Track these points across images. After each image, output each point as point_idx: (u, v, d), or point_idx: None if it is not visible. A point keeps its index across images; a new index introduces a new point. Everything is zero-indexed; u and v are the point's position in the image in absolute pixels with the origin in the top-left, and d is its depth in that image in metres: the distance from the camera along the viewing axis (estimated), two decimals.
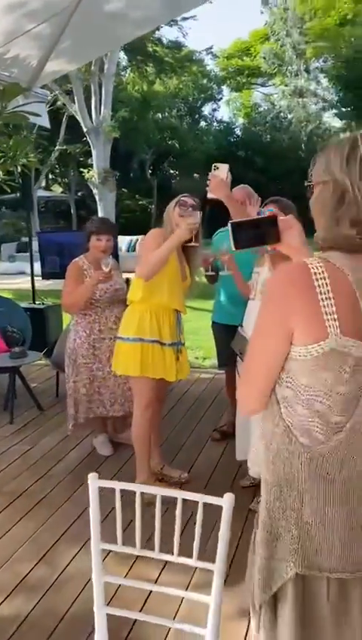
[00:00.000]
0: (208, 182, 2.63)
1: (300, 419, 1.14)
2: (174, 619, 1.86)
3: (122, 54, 18.98)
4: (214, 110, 31.40)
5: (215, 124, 30.64)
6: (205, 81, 27.99)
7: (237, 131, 30.17)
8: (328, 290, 1.08)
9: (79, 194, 26.47)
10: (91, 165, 14.62)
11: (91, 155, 14.55)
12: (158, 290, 2.92)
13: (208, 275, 3.55)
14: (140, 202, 27.50)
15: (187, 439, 3.88)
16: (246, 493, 3.03)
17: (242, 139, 28.89)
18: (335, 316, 1.08)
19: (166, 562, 1.44)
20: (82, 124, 13.69)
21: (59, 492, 3.22)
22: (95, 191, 14.04)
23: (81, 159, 22.76)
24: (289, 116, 28.24)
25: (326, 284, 1.09)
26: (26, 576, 2.50)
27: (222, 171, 2.60)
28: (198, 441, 3.84)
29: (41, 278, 6.31)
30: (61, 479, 3.37)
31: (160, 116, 26.04)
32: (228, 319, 3.48)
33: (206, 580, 1.37)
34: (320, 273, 1.09)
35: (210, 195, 2.67)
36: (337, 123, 26.55)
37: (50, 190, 28.98)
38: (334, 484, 1.13)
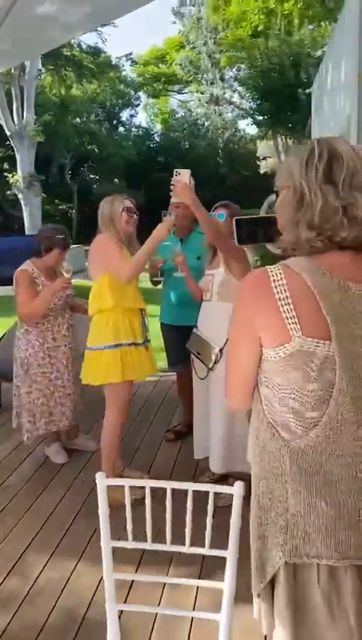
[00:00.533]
0: (171, 187, 2.67)
1: (279, 415, 1.21)
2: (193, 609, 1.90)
3: (39, 58, 18.61)
4: (132, 116, 31.52)
5: (133, 129, 30.72)
6: (122, 86, 28.00)
7: (156, 137, 30.42)
8: (287, 296, 1.14)
9: None
10: (13, 170, 14.23)
11: (12, 160, 14.15)
12: (126, 293, 2.97)
13: (155, 280, 3.60)
14: (60, 207, 27.03)
15: (141, 442, 3.90)
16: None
17: (161, 145, 29.16)
18: (296, 319, 1.13)
19: (171, 559, 1.46)
20: (5, 128, 13.31)
21: (18, 503, 3.15)
22: (20, 196, 13.69)
23: (5, 164, 22.04)
24: (206, 123, 28.86)
25: (285, 289, 1.15)
26: None
27: (184, 176, 2.65)
28: (153, 443, 3.87)
29: None
30: (18, 490, 3.29)
31: (78, 121, 25.74)
32: (179, 320, 3.54)
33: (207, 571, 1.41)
34: (279, 280, 1.16)
35: (174, 200, 2.72)
36: (253, 131, 27.50)
37: None
38: (316, 476, 1.18)
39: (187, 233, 3.57)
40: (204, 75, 26.88)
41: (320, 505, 1.17)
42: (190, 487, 1.36)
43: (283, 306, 1.14)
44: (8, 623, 2.23)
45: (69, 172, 26.19)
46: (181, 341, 3.28)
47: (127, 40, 42.20)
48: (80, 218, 25.14)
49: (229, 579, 1.35)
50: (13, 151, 14.15)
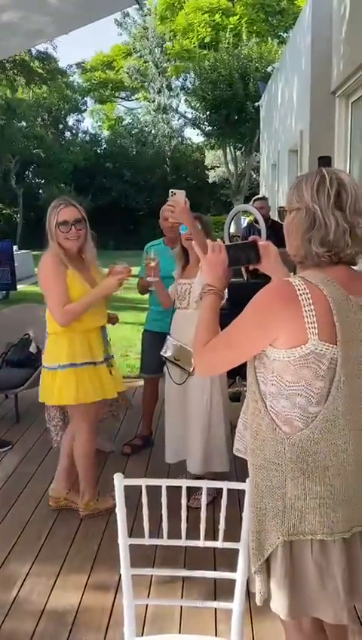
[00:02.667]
0: (169, 207, 2.69)
1: (283, 410, 1.37)
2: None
3: None
4: (78, 121, 31.26)
5: (80, 135, 30.54)
6: (69, 92, 27.80)
7: (103, 143, 30.36)
8: (310, 304, 1.32)
9: None
10: None
11: None
12: (78, 318, 2.80)
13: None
14: (4, 211, 26.48)
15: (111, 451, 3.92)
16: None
17: (109, 150, 29.13)
18: (315, 324, 1.31)
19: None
20: None
21: None
22: None
23: None
24: (153, 131, 29.08)
25: (308, 298, 1.32)
26: None
27: (180, 197, 2.66)
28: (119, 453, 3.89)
29: None
30: None
31: (24, 125, 25.34)
32: (157, 327, 3.61)
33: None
34: (302, 289, 1.33)
35: (172, 220, 2.80)
36: (199, 140, 27.91)
37: None
38: (312, 463, 1.35)
39: (177, 243, 3.64)
40: (151, 84, 27.12)
41: (314, 488, 1.35)
42: (204, 484, 1.45)
43: (306, 312, 1.31)
44: None
45: (14, 176, 25.72)
46: (159, 348, 3.36)
47: (76, 48, 41.95)
48: (25, 223, 24.71)
49: (241, 569, 1.44)
50: None
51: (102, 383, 2.88)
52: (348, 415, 1.35)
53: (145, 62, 26.73)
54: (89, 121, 35.69)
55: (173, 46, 23.85)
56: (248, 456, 1.47)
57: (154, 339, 3.59)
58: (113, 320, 3.30)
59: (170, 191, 2.72)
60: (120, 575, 1.52)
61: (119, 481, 1.44)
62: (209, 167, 27.05)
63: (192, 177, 27.82)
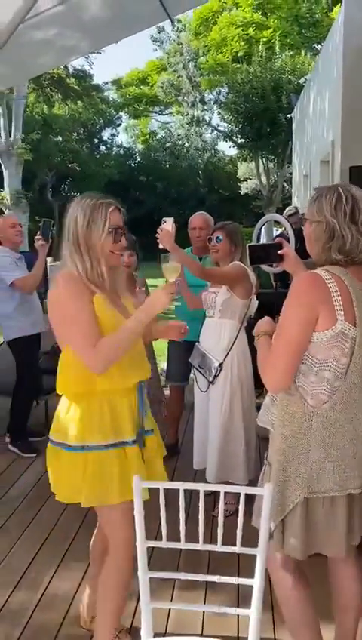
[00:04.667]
0: (158, 234, 2.82)
1: (311, 385, 1.62)
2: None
3: None
4: (113, 135, 31.80)
5: (115, 148, 31.04)
6: (104, 106, 28.33)
7: (137, 157, 30.77)
8: (336, 290, 1.58)
9: None
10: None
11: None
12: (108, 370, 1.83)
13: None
14: (40, 224, 27.01)
15: None
16: (207, 498, 3.17)
17: (142, 164, 29.51)
18: (341, 308, 1.57)
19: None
20: None
21: (18, 517, 3.16)
22: (7, 212, 13.71)
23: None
24: (187, 144, 29.34)
25: (334, 284, 1.58)
26: (6, 602, 2.45)
27: (168, 224, 2.85)
28: None
29: None
30: (17, 504, 3.31)
31: (60, 139, 25.92)
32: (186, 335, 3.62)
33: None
34: (329, 278, 1.60)
35: (160, 246, 2.88)
36: (232, 152, 28.02)
37: None
38: (332, 431, 1.62)
39: (205, 252, 3.66)
40: (185, 98, 27.41)
41: (333, 453, 1.62)
42: (222, 489, 1.44)
43: (334, 297, 1.57)
44: (20, 635, 2.25)
45: (50, 189, 26.28)
46: (185, 356, 3.37)
47: (112, 65, 42.85)
48: (59, 235, 25.15)
49: (259, 575, 1.43)
50: (0, 168, 14.21)
51: (128, 473, 1.82)
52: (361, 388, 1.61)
53: (178, 76, 27.06)
54: (123, 136, 36.24)
55: (207, 60, 24.09)
56: (275, 427, 1.71)
57: (179, 347, 3.61)
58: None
59: (162, 219, 2.90)
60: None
61: (137, 483, 1.45)
62: (241, 179, 27.08)
63: (225, 189, 27.90)
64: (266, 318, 1.89)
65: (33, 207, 26.19)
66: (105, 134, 30.92)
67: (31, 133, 16.55)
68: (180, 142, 29.81)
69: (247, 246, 2.06)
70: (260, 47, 19.85)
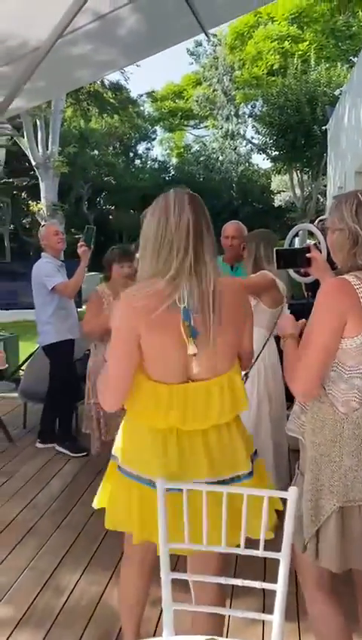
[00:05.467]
0: None
1: (342, 392, 1.60)
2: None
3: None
4: (148, 149, 32.22)
5: (150, 162, 31.41)
6: (140, 121, 28.77)
7: (172, 170, 31.06)
8: None
9: (11, 227, 26.12)
10: (35, 198, 14.65)
11: (35, 189, 14.57)
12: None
13: None
14: (76, 236, 27.46)
15: None
16: None
17: (176, 177, 29.73)
18: None
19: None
20: (31, 159, 13.75)
21: (47, 520, 3.19)
22: (43, 223, 14.04)
23: (15, 192, 22.56)
24: (221, 157, 29.47)
25: None
26: (31, 604, 2.47)
27: None
28: None
29: None
30: (47, 507, 3.34)
31: (97, 153, 26.40)
32: None
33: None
34: (357, 284, 1.57)
35: None
36: (266, 165, 27.99)
37: None
38: None
39: (238, 260, 3.67)
40: (220, 111, 27.61)
41: None
42: (244, 491, 1.43)
43: None
44: (44, 637, 2.26)
45: (86, 202, 26.72)
46: None
47: (148, 78, 43.55)
48: (95, 245, 25.53)
49: (282, 580, 1.41)
50: (37, 180, 14.56)
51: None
52: None
53: (214, 90, 27.29)
54: (158, 149, 36.75)
55: (242, 74, 24.25)
56: (306, 435, 1.67)
57: None
58: None
59: None
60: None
61: (161, 485, 1.45)
62: (275, 191, 27.01)
63: (258, 202, 27.86)
64: (288, 316, 1.84)
65: (69, 219, 26.65)
66: (141, 148, 31.38)
67: (67, 147, 16.92)
68: (214, 155, 29.97)
69: (274, 250, 2.04)
70: (295, 60, 19.88)
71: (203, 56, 28.22)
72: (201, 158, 30.37)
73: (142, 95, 26.48)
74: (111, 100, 18.27)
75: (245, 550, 1.44)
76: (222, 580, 1.49)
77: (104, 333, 3.52)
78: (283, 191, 25.73)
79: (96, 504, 1.82)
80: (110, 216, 27.38)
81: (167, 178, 29.94)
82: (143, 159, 31.36)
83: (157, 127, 31.15)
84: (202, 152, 31.06)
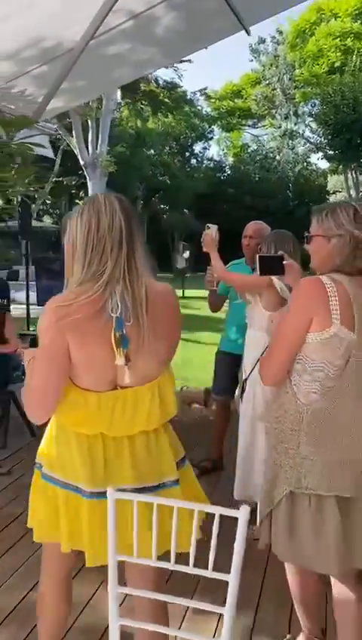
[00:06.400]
0: (202, 239, 2.96)
1: (305, 384, 1.68)
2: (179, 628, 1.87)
3: (118, 92, 19.61)
4: (204, 149, 32.19)
5: (205, 162, 31.38)
6: (197, 120, 28.78)
7: (227, 170, 30.91)
8: (334, 295, 1.63)
9: None
10: (84, 198, 14.97)
11: (85, 188, 14.86)
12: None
13: (212, 290, 3.53)
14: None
15: None
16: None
17: (232, 177, 29.57)
18: (338, 312, 1.62)
19: (171, 572, 1.45)
20: (79, 158, 14.04)
21: None
22: None
23: (73, 192, 23.09)
24: (278, 157, 29.06)
25: (334, 290, 1.64)
26: (19, 603, 2.46)
27: (212, 230, 2.95)
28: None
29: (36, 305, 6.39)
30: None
31: (152, 152, 26.62)
32: (230, 348, 3.55)
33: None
34: (329, 284, 1.65)
35: (204, 250, 3.01)
36: (324, 165, 27.40)
37: (41, 221, 29.23)
38: (323, 430, 1.66)
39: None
40: (279, 110, 27.22)
41: (321, 451, 1.66)
42: (196, 507, 1.36)
43: (331, 302, 1.63)
44: (26, 636, 2.25)
45: (141, 202, 27.00)
46: (231, 369, 3.29)
47: (203, 76, 43.54)
48: (149, 247, 25.82)
49: (230, 603, 1.33)
50: (85, 180, 14.85)
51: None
52: (356, 391, 1.65)
53: (273, 89, 26.95)
54: (215, 149, 36.69)
55: (302, 73, 23.81)
56: (271, 424, 1.77)
57: (227, 360, 3.54)
58: None
59: (206, 225, 2.99)
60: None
61: (111, 495, 1.40)
62: (331, 191, 26.38)
63: (314, 202, 27.23)
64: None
65: None
66: (197, 148, 31.40)
67: (117, 147, 17.17)
68: (271, 155, 29.60)
69: (257, 256, 2.14)
70: (354, 57, 19.32)
71: (263, 55, 27.89)
72: (258, 158, 30.06)
73: (195, 93, 26.34)
74: (165, 99, 18.36)
75: (194, 569, 1.37)
76: (179, 567, 1.39)
77: None
78: (339, 191, 25.08)
79: (29, 523, 1.72)
80: (164, 216, 27.55)
81: (222, 178, 29.81)
82: (199, 159, 31.37)
83: (215, 127, 31.07)
84: (259, 152, 30.75)
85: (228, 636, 1.31)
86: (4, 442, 4.23)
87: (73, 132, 13.72)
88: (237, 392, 3.18)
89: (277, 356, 1.72)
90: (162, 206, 28.79)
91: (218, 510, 1.33)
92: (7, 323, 3.40)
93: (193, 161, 31.12)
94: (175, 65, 15.54)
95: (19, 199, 5.92)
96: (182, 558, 1.42)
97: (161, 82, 17.51)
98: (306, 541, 1.65)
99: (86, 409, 1.55)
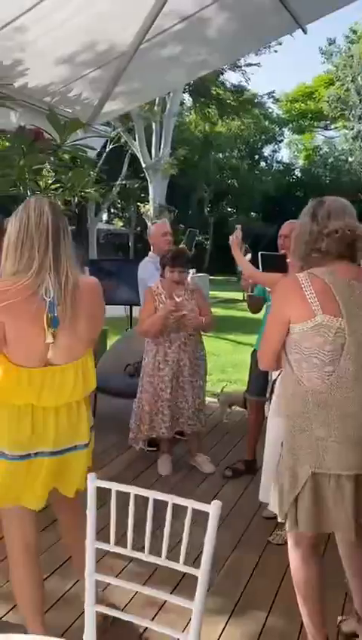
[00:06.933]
0: (230, 241, 2.99)
1: (305, 370, 1.79)
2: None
3: (186, 96, 19.88)
4: (274, 152, 31.80)
5: (275, 164, 31.02)
6: (267, 123, 28.50)
7: (297, 172, 30.38)
8: (310, 289, 1.77)
9: (138, 229, 27.25)
10: (149, 200, 15.20)
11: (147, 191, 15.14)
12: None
13: (249, 295, 3.61)
14: (196, 238, 27.96)
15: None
16: (268, 523, 3.00)
17: (301, 180, 29.05)
18: (318, 303, 1.76)
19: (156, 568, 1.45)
20: (141, 161, 14.30)
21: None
22: (149, 224, 14.55)
23: (143, 195, 23.54)
24: (350, 159, 28.25)
25: (309, 285, 1.78)
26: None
27: (239, 232, 3.00)
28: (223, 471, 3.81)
29: None
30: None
31: (221, 156, 26.62)
32: None
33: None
34: (304, 279, 1.80)
35: (232, 252, 3.00)
36: None
37: (112, 224, 29.93)
38: (331, 411, 1.76)
39: None
40: (352, 111, 26.48)
41: (334, 433, 1.75)
42: (170, 499, 1.36)
43: (308, 295, 1.77)
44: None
45: (208, 205, 27.05)
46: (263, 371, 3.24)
47: (272, 78, 43.20)
48: (213, 250, 25.84)
49: (199, 598, 1.31)
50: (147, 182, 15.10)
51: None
52: (357, 373, 1.74)
53: (346, 90, 26.25)
54: (285, 152, 36.17)
55: None
56: (281, 411, 1.94)
57: (255, 358, 3.48)
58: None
59: (236, 225, 3.05)
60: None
61: (92, 482, 1.42)
62: None
63: None
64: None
65: (191, 222, 27.27)
66: (267, 150, 31.10)
67: (180, 149, 17.31)
68: (343, 157, 28.83)
69: (259, 253, 2.22)
70: None
71: (336, 55, 27.23)
72: (330, 160, 29.38)
73: (262, 96, 26.06)
74: (232, 103, 18.32)
75: (165, 561, 1.37)
76: (152, 559, 1.40)
77: (157, 332, 3.57)
78: None
79: None
80: (230, 219, 27.47)
81: (291, 180, 29.34)
82: (268, 161, 31.05)
83: (286, 129, 30.66)
84: (331, 154, 30.04)
85: (196, 631, 1.29)
86: None
87: (135, 135, 13.97)
88: (268, 394, 3.13)
89: (267, 344, 1.94)
90: (229, 209, 28.74)
91: (190, 503, 1.32)
92: None
93: (262, 163, 30.84)
94: (243, 68, 15.52)
95: (76, 201, 6.06)
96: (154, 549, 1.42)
97: (228, 85, 17.50)
98: (330, 512, 1.79)
99: (19, 383, 1.80)
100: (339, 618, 2.24)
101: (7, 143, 4.63)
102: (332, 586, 2.17)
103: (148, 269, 4.10)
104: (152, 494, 1.37)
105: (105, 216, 28.62)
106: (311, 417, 1.78)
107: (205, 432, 4.00)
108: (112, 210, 29.41)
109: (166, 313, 3.48)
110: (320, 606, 1.98)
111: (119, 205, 28.59)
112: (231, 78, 16.98)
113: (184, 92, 17.90)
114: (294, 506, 1.82)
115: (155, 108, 13.66)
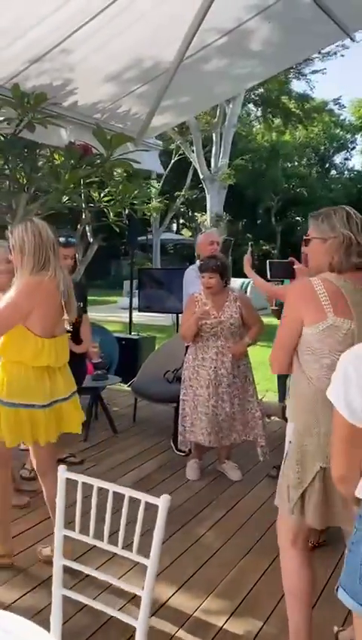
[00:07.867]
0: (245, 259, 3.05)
1: (315, 371, 1.88)
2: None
3: (252, 106, 19.90)
4: (346, 159, 31.03)
5: (346, 172, 30.28)
6: (338, 130, 27.91)
7: None
8: (324, 292, 1.87)
9: None
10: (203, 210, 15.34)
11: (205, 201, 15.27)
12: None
13: (274, 310, 3.65)
14: (264, 247, 27.79)
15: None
16: None
17: None
18: (330, 306, 1.85)
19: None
20: (199, 172, 14.49)
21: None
22: (211, 229, 14.69)
23: (205, 204, 23.75)
24: None
25: (322, 289, 1.87)
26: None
27: (250, 251, 3.15)
28: (250, 479, 3.84)
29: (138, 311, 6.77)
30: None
31: (288, 165, 26.35)
32: None
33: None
34: (317, 283, 1.90)
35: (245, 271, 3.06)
36: None
37: (180, 234, 30.33)
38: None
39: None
40: None
41: None
42: (127, 492, 1.45)
43: (321, 297, 1.86)
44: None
45: (276, 214, 26.82)
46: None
47: (338, 84, 42.19)
48: (280, 259, 25.56)
49: (148, 586, 1.39)
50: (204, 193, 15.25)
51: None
52: None
53: None
54: (357, 159, 35.23)
55: None
56: (290, 407, 2.00)
57: None
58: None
59: (250, 243, 3.16)
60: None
61: (62, 474, 1.54)
62: None
63: None
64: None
65: (258, 231, 27.12)
66: (338, 158, 30.42)
67: (239, 159, 17.31)
68: None
69: (267, 261, 2.31)
70: None
71: None
72: None
73: (328, 102, 25.48)
74: (296, 111, 18.16)
75: (121, 550, 1.46)
76: (110, 548, 1.49)
77: (192, 336, 3.67)
78: None
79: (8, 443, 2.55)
80: (298, 228, 27.10)
81: None
82: (339, 169, 30.36)
83: (358, 136, 29.87)
84: None
85: (145, 618, 1.37)
86: (86, 435, 4.52)
87: (194, 147, 14.17)
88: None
89: (281, 347, 2.00)
90: (297, 218, 28.36)
91: (142, 496, 1.40)
92: (83, 325, 3.69)
93: (333, 172, 30.21)
94: (307, 76, 15.40)
95: (127, 212, 6.29)
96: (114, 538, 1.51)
97: (293, 94, 17.39)
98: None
99: (40, 349, 2.50)
100: (336, 628, 2.23)
101: (62, 159, 4.91)
102: (333, 598, 2.15)
103: (190, 277, 4.21)
104: (111, 487, 1.47)
105: (174, 227, 29.06)
106: (318, 414, 1.85)
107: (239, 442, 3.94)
108: (181, 221, 29.81)
109: (196, 318, 3.57)
110: (309, 612, 1.99)
111: (187, 215, 28.96)
112: (297, 86, 16.86)
113: (249, 103, 17.99)
114: (301, 499, 1.88)
115: (214, 120, 13.82)
